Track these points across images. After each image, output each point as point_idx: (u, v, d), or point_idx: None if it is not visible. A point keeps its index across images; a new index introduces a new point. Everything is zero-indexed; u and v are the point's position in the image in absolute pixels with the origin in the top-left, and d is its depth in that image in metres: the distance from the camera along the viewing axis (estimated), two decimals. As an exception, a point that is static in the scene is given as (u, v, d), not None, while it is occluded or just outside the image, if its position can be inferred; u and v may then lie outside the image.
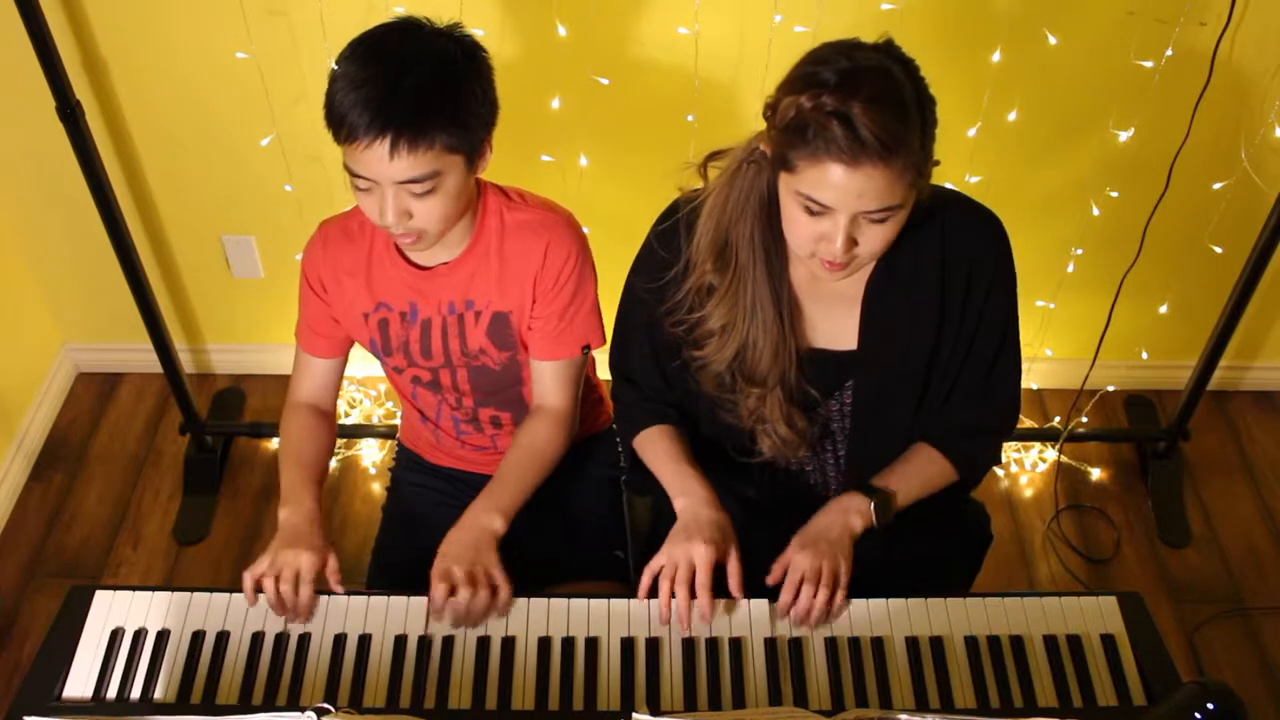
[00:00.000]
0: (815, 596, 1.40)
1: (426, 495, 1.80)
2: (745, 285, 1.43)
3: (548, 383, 1.64)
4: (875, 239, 1.32)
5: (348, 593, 1.47)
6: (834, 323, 1.49)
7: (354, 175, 1.40)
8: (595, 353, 1.72)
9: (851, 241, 1.30)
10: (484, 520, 1.51)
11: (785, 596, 1.42)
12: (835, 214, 1.28)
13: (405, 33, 1.41)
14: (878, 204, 1.26)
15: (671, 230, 1.47)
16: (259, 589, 1.44)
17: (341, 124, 1.36)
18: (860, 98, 1.21)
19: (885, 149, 1.22)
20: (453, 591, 1.42)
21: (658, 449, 1.58)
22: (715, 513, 1.48)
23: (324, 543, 1.49)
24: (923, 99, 1.27)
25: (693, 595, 1.41)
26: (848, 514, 1.47)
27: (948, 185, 1.51)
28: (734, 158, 1.40)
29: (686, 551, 1.42)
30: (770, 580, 1.45)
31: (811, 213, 1.29)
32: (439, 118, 1.36)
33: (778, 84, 1.31)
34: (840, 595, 1.41)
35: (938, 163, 1.33)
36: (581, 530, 1.76)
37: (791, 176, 1.29)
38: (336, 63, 1.39)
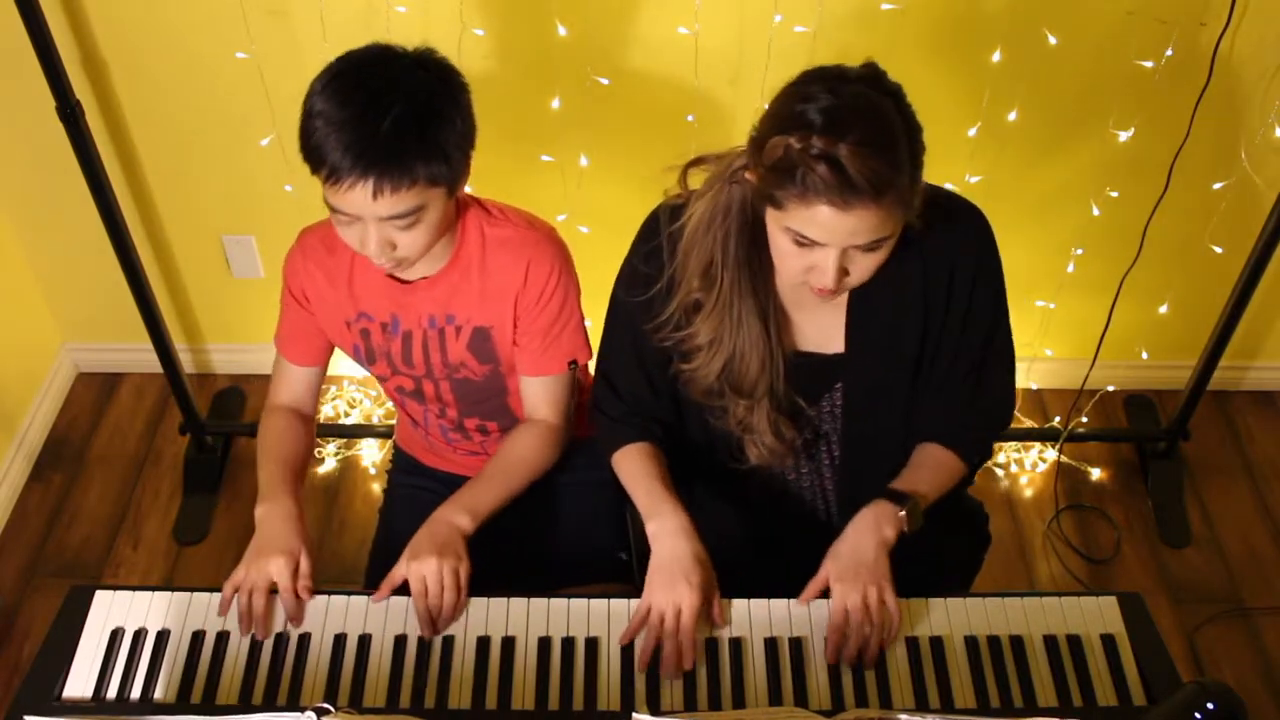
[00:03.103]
0: (866, 634, 1.37)
1: (422, 496, 1.80)
2: (731, 301, 1.42)
3: (536, 399, 1.64)
4: (865, 268, 1.32)
5: (347, 593, 1.47)
6: (821, 326, 1.49)
7: (335, 210, 1.40)
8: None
9: (843, 271, 1.31)
10: (451, 518, 1.51)
11: (832, 638, 1.38)
12: (826, 248, 1.28)
13: (380, 65, 1.38)
14: (868, 239, 1.27)
15: (656, 249, 1.47)
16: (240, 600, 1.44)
17: (322, 164, 1.35)
18: (849, 140, 1.20)
19: (875, 190, 1.21)
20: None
21: (634, 468, 1.55)
22: (692, 544, 1.45)
23: (298, 542, 1.48)
24: (911, 130, 1.26)
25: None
26: (880, 526, 1.44)
27: (945, 185, 1.51)
28: (716, 175, 1.39)
29: (673, 600, 1.40)
30: (803, 600, 1.43)
31: (801, 245, 1.29)
32: (421, 156, 1.35)
33: (761, 115, 1.30)
34: (891, 631, 1.39)
35: (922, 185, 1.32)
36: (583, 532, 1.76)
37: (780, 214, 1.28)
38: (310, 95, 1.37)
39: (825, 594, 1.43)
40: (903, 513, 1.45)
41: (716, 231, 1.40)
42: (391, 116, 1.33)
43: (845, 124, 1.21)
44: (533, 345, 1.59)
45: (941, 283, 1.45)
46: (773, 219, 1.31)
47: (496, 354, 1.61)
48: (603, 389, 1.61)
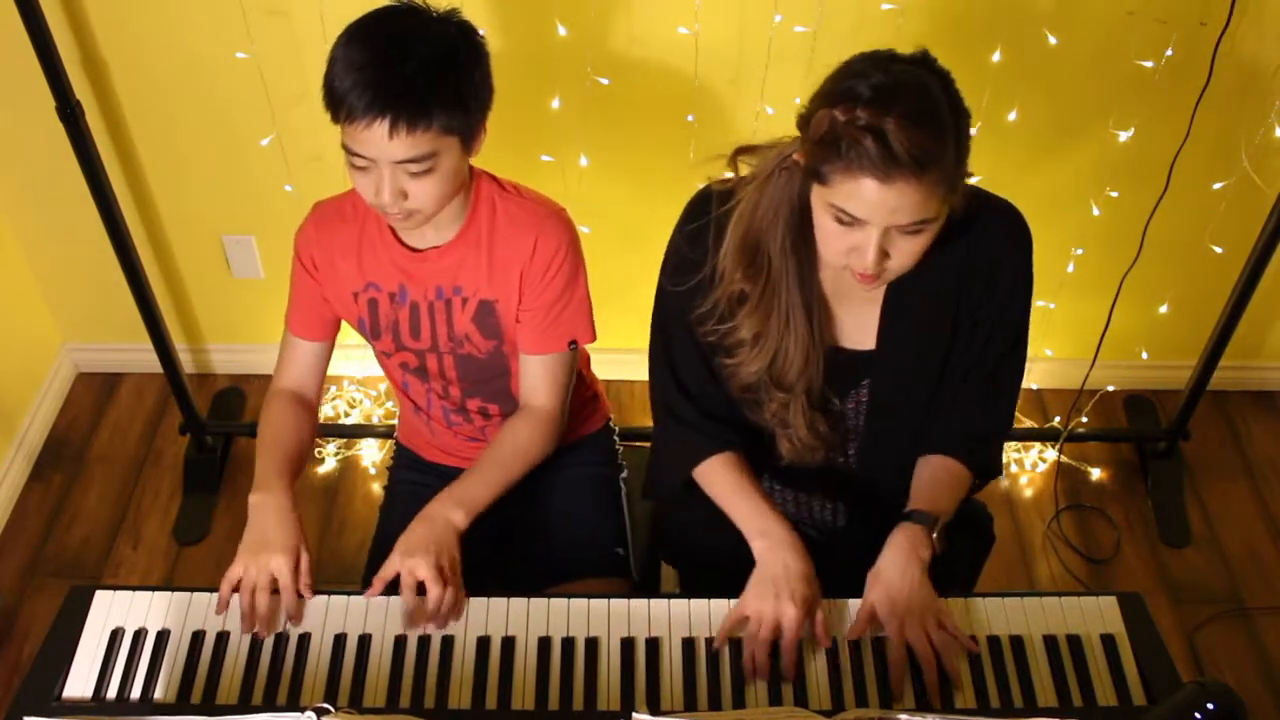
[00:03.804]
0: (934, 665, 1.37)
1: (423, 493, 1.79)
2: (778, 293, 1.42)
3: (535, 380, 1.64)
4: (907, 252, 1.31)
5: (347, 593, 1.46)
6: (857, 321, 1.49)
7: (351, 153, 1.41)
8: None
9: (883, 254, 1.30)
10: (444, 513, 1.51)
11: (898, 673, 1.36)
12: (867, 226, 1.27)
13: (405, 17, 1.42)
14: (910, 218, 1.26)
15: (701, 231, 1.46)
16: (238, 596, 1.44)
17: (341, 104, 1.38)
18: (895, 113, 1.20)
19: (919, 165, 1.21)
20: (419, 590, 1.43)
21: (725, 481, 1.53)
22: (803, 563, 1.44)
23: (297, 540, 1.48)
24: (958, 113, 1.26)
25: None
26: (916, 551, 1.42)
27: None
28: (766, 163, 1.39)
29: (775, 611, 1.39)
30: (853, 634, 1.41)
31: (843, 224, 1.29)
32: (438, 99, 1.38)
33: (811, 94, 1.30)
34: (957, 651, 1.38)
35: (970, 175, 1.32)
36: (581, 529, 1.76)
37: (824, 188, 1.28)
38: (334, 47, 1.40)
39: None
40: (934, 535, 1.44)
41: (763, 217, 1.39)
42: (412, 60, 1.36)
43: (892, 98, 1.21)
44: (535, 321, 1.59)
45: (979, 286, 1.45)
46: (817, 196, 1.31)
47: (501, 329, 1.62)
48: (669, 388, 1.57)
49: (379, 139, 1.37)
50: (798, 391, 1.48)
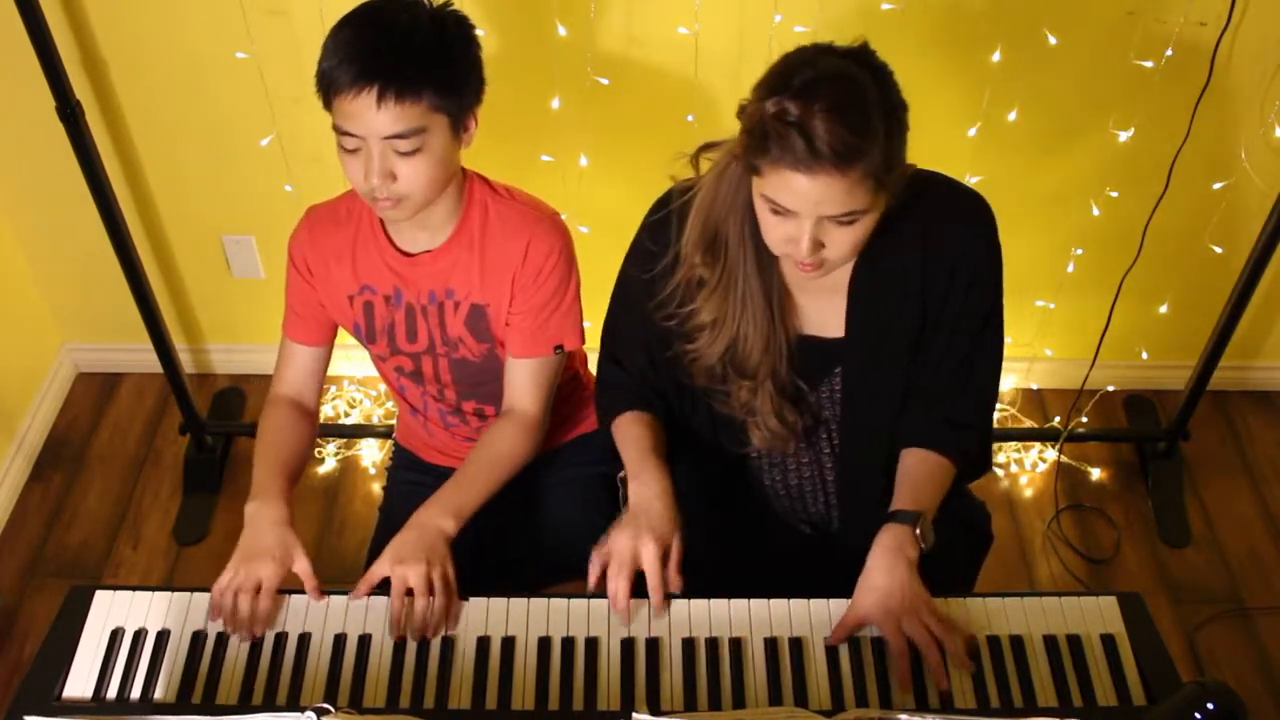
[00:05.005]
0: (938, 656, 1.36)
1: (422, 494, 1.80)
2: (736, 279, 1.43)
3: (519, 383, 1.64)
4: (842, 242, 1.33)
5: (347, 593, 1.46)
6: (823, 310, 1.50)
7: (342, 134, 1.41)
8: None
9: (818, 244, 1.32)
10: (435, 521, 1.50)
11: (902, 669, 1.35)
12: (799, 217, 1.30)
13: (396, 6, 1.43)
14: (838, 209, 1.28)
15: (663, 222, 1.48)
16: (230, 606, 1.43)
17: (331, 82, 1.38)
18: (818, 107, 1.22)
19: (840, 159, 1.23)
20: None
21: (628, 434, 1.57)
22: (665, 506, 1.47)
23: (288, 550, 1.47)
24: (891, 106, 1.27)
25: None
26: (903, 550, 1.42)
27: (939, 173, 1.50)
28: (725, 152, 1.41)
29: (632, 546, 1.42)
30: (834, 640, 1.40)
31: (778, 214, 1.31)
32: (427, 72, 1.38)
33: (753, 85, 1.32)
34: (961, 642, 1.37)
35: (914, 166, 1.33)
36: (579, 529, 1.76)
37: (758, 179, 1.31)
38: (327, 37, 1.41)
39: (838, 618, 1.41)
40: (918, 531, 1.44)
41: (721, 204, 1.41)
42: (403, 40, 1.38)
43: (817, 92, 1.23)
44: (524, 324, 1.59)
45: (942, 276, 1.45)
46: (755, 187, 1.34)
47: (492, 333, 1.62)
48: (608, 365, 1.62)
49: (367, 110, 1.37)
50: (761, 378, 1.49)
